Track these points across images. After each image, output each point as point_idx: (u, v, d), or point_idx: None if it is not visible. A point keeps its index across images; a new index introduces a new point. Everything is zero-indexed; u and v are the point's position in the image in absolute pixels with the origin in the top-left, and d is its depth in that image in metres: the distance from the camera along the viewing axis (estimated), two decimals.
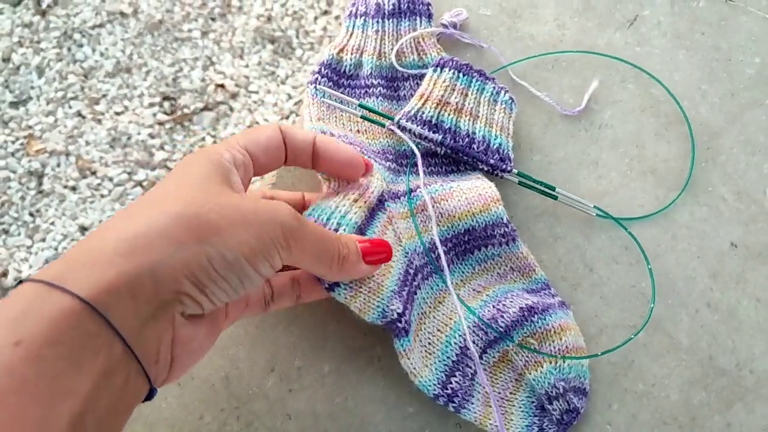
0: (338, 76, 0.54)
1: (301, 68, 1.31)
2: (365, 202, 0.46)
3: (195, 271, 0.32)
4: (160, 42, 1.32)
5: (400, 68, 0.55)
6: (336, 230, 0.44)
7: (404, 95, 0.55)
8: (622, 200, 0.54)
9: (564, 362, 0.47)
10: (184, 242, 0.32)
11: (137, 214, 0.33)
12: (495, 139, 0.52)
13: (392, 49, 0.55)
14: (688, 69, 0.58)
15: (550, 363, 0.47)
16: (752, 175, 0.54)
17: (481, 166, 0.52)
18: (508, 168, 0.52)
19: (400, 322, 0.45)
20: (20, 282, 0.30)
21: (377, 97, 0.54)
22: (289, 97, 1.28)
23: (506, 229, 0.50)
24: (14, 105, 1.27)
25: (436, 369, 0.47)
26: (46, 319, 0.28)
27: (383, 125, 0.52)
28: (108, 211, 1.20)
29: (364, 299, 0.44)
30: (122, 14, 1.34)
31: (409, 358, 0.46)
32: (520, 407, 0.47)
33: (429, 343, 0.47)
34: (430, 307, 0.49)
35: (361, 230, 0.46)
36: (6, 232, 1.19)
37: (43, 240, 1.18)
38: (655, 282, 0.51)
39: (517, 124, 0.56)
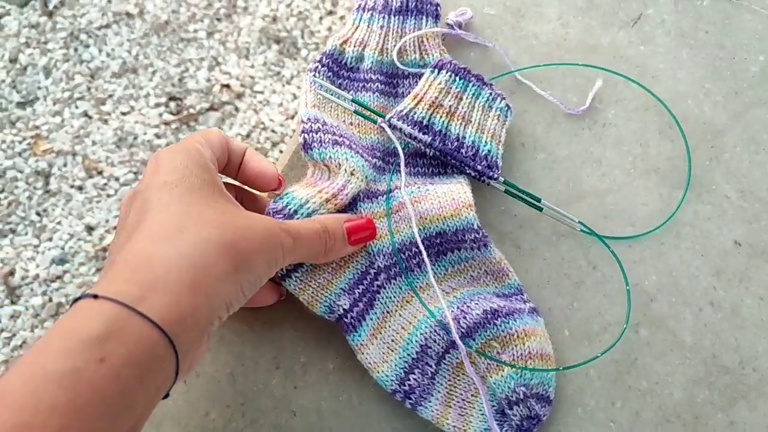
0: (339, 67, 0.55)
1: (306, 68, 1.31)
2: (335, 204, 0.48)
3: (233, 300, 0.37)
4: (166, 42, 1.33)
5: (400, 66, 0.55)
6: None
7: (402, 93, 0.56)
8: (625, 198, 0.54)
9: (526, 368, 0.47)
10: (229, 274, 0.36)
11: (182, 236, 0.36)
12: (485, 146, 0.52)
13: (395, 45, 0.55)
14: (691, 67, 0.58)
15: (511, 368, 0.47)
16: (756, 173, 0.54)
17: (468, 171, 0.52)
18: (495, 176, 0.52)
19: (347, 317, 0.48)
20: (94, 296, 0.32)
21: (374, 92, 0.55)
22: (294, 97, 1.28)
23: (477, 235, 0.49)
24: (21, 105, 1.28)
25: (395, 365, 0.47)
26: (129, 342, 0.31)
27: (375, 122, 0.52)
28: (114, 211, 1.21)
29: (312, 293, 0.48)
30: (128, 15, 1.35)
31: (363, 354, 0.48)
32: (481, 410, 0.47)
33: (392, 340, 0.48)
34: (396, 306, 0.49)
35: None
36: (13, 231, 1.20)
37: (50, 239, 1.19)
38: (631, 303, 0.51)
39: (522, 123, 0.56)
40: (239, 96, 1.28)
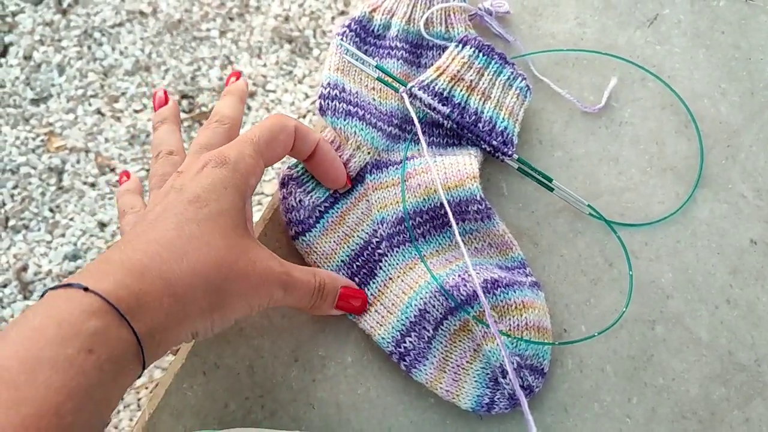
0: (366, 33, 0.56)
1: (318, 68, 1.32)
2: None
3: (199, 331, 0.39)
4: (179, 41, 1.34)
5: (426, 36, 0.56)
6: (311, 192, 0.52)
7: (425, 63, 0.57)
8: (642, 197, 0.54)
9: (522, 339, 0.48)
10: (205, 311, 0.38)
11: (178, 264, 0.37)
12: (502, 122, 0.53)
13: (422, 16, 0.56)
14: (707, 68, 0.58)
15: (507, 337, 0.48)
16: None
17: (483, 146, 0.53)
18: (509, 152, 0.52)
19: None
20: (94, 293, 0.34)
21: (398, 60, 0.56)
22: (306, 96, 1.29)
23: (480, 206, 0.50)
24: (35, 102, 1.29)
25: (392, 328, 0.48)
26: (112, 342, 0.33)
27: (396, 90, 0.54)
28: None
29: (316, 259, 0.51)
30: (142, 13, 1.36)
31: (362, 321, 0.49)
32: (474, 377, 0.48)
33: (392, 304, 0.49)
34: (399, 272, 0.50)
35: (335, 199, 0.52)
36: (26, 227, 1.21)
37: (63, 235, 1.20)
38: (633, 289, 0.52)
39: (539, 120, 0.57)
40: (251, 95, 1.29)
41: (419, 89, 0.53)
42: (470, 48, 0.54)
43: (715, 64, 0.58)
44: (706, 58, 0.58)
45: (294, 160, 0.52)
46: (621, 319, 0.51)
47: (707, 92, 0.57)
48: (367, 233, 0.51)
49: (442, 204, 0.50)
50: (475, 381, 0.48)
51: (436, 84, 0.53)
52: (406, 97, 0.53)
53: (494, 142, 0.52)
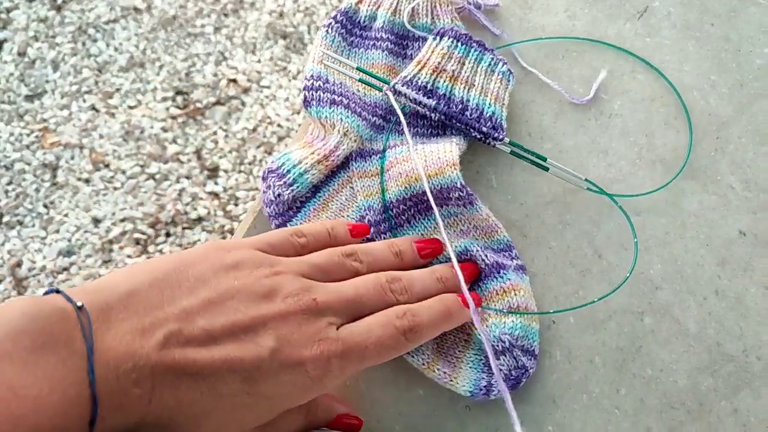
0: (352, 25, 0.57)
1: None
2: (327, 165, 0.52)
3: None
4: (173, 37, 1.33)
5: (410, 27, 0.56)
6: (291, 185, 0.51)
7: (411, 55, 0.57)
8: (631, 188, 0.54)
9: (508, 318, 0.48)
10: None
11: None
12: (489, 108, 0.53)
13: (408, 7, 0.57)
14: (697, 59, 0.58)
15: (495, 317, 0.48)
16: (760, 164, 0.55)
17: (473, 134, 0.53)
18: (500, 137, 0.52)
19: None
20: None
21: (383, 51, 0.56)
22: (301, 92, 1.29)
23: (461, 193, 0.50)
24: (29, 98, 1.29)
25: None
26: None
27: (380, 89, 0.54)
28: (120, 204, 1.21)
29: None
30: (136, 9, 1.36)
31: None
32: (469, 364, 0.48)
33: None
34: None
35: (317, 187, 0.52)
36: (21, 223, 1.21)
37: (57, 231, 1.20)
38: (638, 255, 0.52)
39: (528, 112, 0.57)
40: (246, 90, 1.29)
41: (402, 85, 0.53)
42: (448, 39, 0.54)
43: (705, 56, 0.58)
44: (696, 50, 0.58)
45: (278, 154, 0.52)
46: (609, 310, 0.51)
47: (697, 84, 0.57)
48: (353, 219, 0.52)
49: (423, 191, 0.50)
50: (470, 368, 0.48)
51: (419, 78, 0.53)
52: (390, 94, 0.53)
53: (484, 129, 0.52)
